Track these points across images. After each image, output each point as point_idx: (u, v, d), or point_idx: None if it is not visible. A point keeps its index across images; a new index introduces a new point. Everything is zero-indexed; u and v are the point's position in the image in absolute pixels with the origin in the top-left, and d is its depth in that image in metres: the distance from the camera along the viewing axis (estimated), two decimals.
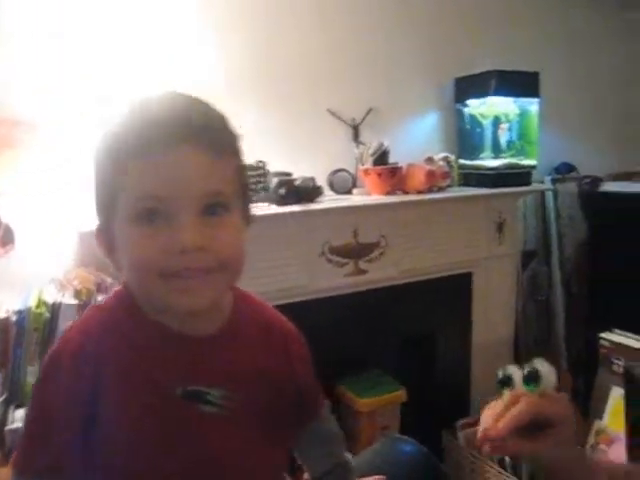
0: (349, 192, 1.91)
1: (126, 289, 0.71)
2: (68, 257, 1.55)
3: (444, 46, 2.19)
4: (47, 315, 1.33)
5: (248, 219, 0.72)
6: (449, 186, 2.02)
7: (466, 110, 2.16)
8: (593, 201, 2.54)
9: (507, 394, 0.71)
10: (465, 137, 2.18)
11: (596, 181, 2.56)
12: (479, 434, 0.69)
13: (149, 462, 0.66)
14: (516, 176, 2.10)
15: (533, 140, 2.14)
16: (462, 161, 2.17)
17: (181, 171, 0.62)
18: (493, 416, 0.68)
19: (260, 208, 1.63)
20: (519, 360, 2.32)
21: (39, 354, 1.30)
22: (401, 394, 1.90)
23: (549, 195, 2.49)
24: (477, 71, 2.07)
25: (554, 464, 0.72)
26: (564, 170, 2.57)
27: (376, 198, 1.85)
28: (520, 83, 2.08)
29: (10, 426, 1.23)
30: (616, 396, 1.79)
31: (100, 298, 1.33)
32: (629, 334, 1.99)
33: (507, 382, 0.72)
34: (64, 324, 1.28)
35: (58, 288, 1.43)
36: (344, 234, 1.80)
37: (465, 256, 2.07)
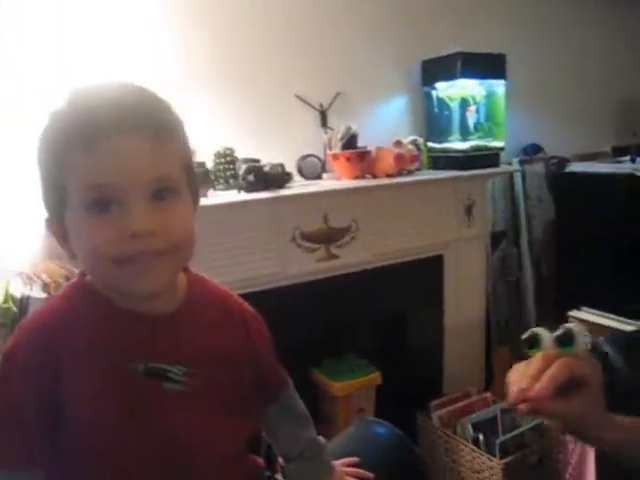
0: (318, 177, 1.90)
1: (82, 276, 0.72)
2: (35, 249, 1.51)
3: (410, 28, 2.18)
4: (15, 310, 1.30)
5: (197, 202, 0.74)
6: (418, 169, 2.02)
7: (434, 93, 2.16)
8: (560, 181, 2.58)
9: (538, 355, 0.72)
10: (433, 120, 2.18)
11: (563, 162, 2.60)
12: (513, 394, 0.70)
13: (112, 442, 0.67)
14: (484, 158, 2.12)
15: (500, 122, 2.16)
16: (431, 144, 2.17)
17: (126, 159, 0.63)
18: (528, 376, 0.69)
19: (229, 195, 1.62)
20: (489, 341, 2.36)
21: None
22: (376, 377, 1.92)
23: (517, 176, 2.52)
24: (444, 53, 2.07)
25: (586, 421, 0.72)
26: (532, 151, 2.60)
27: (345, 182, 1.85)
28: (486, 65, 2.08)
29: None
30: None
31: None
32: (596, 311, 2.04)
33: (534, 343, 0.73)
34: None
35: (26, 282, 1.40)
36: (314, 219, 1.80)
37: (435, 239, 2.08)
